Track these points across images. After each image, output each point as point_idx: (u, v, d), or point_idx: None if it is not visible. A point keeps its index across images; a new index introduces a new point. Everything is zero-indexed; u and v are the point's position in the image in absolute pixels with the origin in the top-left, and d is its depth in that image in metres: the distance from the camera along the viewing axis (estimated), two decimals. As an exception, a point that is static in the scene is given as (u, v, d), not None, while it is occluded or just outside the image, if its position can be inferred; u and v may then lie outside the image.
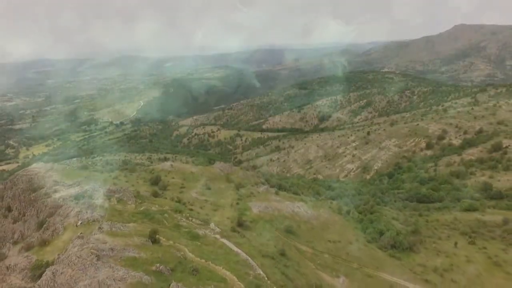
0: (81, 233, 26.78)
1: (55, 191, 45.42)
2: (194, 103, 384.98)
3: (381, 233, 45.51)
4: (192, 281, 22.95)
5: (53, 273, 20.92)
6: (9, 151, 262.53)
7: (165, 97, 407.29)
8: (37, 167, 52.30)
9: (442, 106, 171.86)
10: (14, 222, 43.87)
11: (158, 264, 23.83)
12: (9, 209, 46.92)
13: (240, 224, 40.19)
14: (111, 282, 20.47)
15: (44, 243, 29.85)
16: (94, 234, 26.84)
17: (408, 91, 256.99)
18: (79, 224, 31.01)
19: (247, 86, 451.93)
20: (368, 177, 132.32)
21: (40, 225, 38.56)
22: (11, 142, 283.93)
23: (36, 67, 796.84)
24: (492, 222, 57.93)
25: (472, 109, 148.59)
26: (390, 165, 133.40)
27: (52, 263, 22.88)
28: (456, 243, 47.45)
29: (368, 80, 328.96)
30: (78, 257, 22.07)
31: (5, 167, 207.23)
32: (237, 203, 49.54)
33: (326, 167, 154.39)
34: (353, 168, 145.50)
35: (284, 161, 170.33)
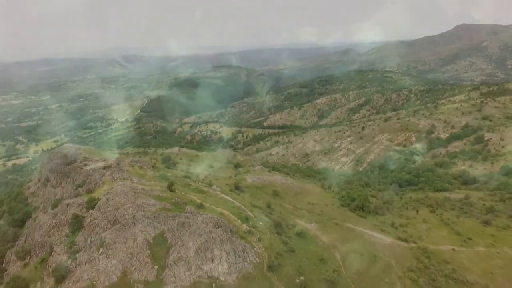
0: (119, 181, 36.53)
1: (85, 165, 55.28)
2: (197, 102, 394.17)
3: (353, 200, 54.74)
4: (200, 211, 32.63)
5: (107, 199, 30.76)
6: (19, 146, 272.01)
7: (169, 95, 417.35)
8: (68, 146, 62.19)
9: (436, 103, 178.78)
10: (53, 188, 53.86)
11: (176, 198, 33.67)
12: (47, 180, 56.95)
13: (237, 188, 49.76)
14: (146, 206, 30.20)
15: (90, 191, 39.64)
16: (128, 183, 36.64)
17: (406, 90, 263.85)
18: (114, 180, 40.77)
19: (249, 85, 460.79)
20: (361, 169, 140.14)
21: (78, 188, 48.36)
22: (20, 138, 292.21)
23: (38, 67, 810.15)
24: (456, 198, 66.77)
25: (461, 105, 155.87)
26: (382, 157, 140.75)
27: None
28: (417, 211, 56.54)
29: (367, 79, 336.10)
30: (121, 191, 31.83)
31: (16, 161, 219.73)
32: (235, 176, 59.19)
33: (322, 160, 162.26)
34: (347, 161, 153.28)
35: (283, 155, 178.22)
